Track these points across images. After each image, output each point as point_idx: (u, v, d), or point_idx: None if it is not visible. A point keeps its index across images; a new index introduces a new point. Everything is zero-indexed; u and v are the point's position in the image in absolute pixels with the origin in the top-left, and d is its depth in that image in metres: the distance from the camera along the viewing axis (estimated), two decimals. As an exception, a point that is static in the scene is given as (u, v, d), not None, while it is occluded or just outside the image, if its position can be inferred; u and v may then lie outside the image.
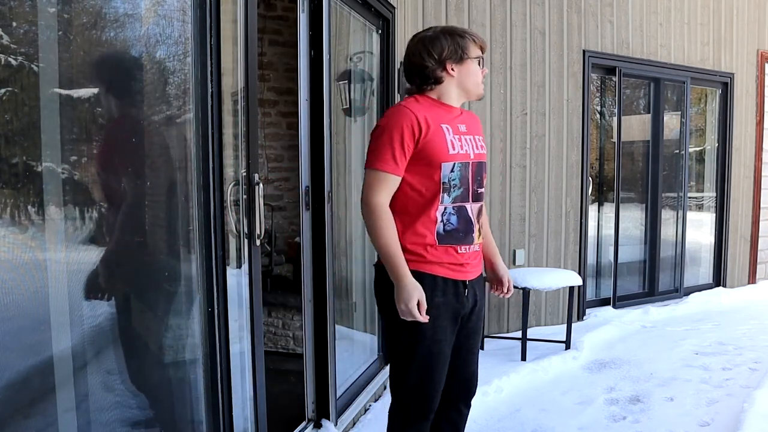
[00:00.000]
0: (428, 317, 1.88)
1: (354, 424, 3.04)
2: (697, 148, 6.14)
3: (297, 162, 2.76)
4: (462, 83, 2.00)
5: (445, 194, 1.94)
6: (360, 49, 3.45)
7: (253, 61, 2.12)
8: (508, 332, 4.58)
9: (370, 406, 3.21)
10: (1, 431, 1.32)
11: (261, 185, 2.13)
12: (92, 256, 1.59)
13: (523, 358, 3.98)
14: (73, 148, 1.54)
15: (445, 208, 1.95)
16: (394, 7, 3.49)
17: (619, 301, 5.37)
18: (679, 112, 5.78)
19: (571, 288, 4.24)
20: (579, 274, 4.66)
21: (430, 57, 1.96)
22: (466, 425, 2.25)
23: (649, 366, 3.92)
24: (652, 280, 5.61)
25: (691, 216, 5.90)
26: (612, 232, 5.33)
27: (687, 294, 5.69)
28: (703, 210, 6.17)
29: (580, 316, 4.99)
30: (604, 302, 5.39)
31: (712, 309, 5.44)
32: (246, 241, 2.13)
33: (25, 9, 1.42)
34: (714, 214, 6.06)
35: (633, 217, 5.66)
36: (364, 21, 3.33)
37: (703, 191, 6.16)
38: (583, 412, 3.24)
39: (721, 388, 3.54)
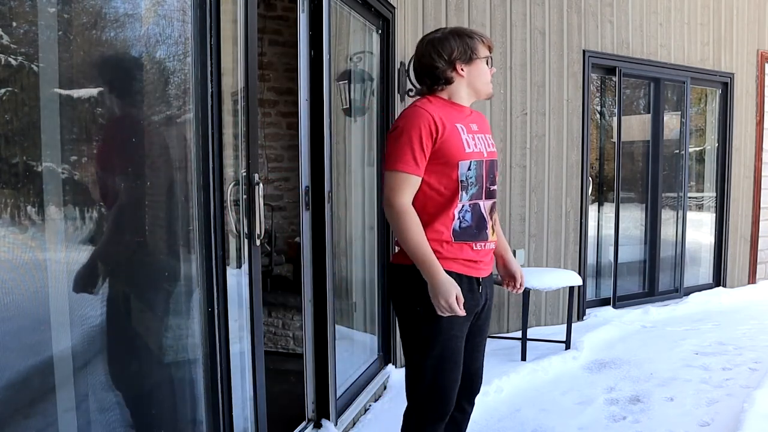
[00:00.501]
0: (465, 312, 1.91)
1: (354, 424, 3.04)
2: (697, 148, 6.14)
3: (297, 162, 2.76)
4: (472, 83, 2.03)
5: (464, 192, 1.97)
6: (360, 49, 3.45)
7: (253, 61, 2.12)
8: (508, 332, 4.58)
9: (370, 406, 3.21)
10: (1, 431, 1.32)
11: (261, 185, 2.13)
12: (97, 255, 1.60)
13: (523, 358, 3.98)
14: (73, 148, 1.54)
15: (462, 206, 1.98)
16: (394, 7, 3.49)
17: (619, 301, 5.37)
18: (679, 112, 5.78)
19: (571, 288, 4.24)
20: (579, 274, 4.66)
21: (440, 58, 1.99)
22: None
23: (649, 366, 3.92)
24: (652, 280, 5.61)
25: (691, 216, 5.90)
26: (612, 232, 5.33)
27: (687, 294, 5.69)
28: (703, 210, 6.17)
29: (580, 316, 4.99)
30: (604, 302, 5.39)
31: (712, 309, 5.44)
32: (246, 241, 2.13)
33: (25, 9, 1.42)
34: (714, 214, 6.06)
35: (633, 217, 5.66)
36: (364, 21, 3.33)
37: (703, 191, 6.16)
38: (583, 412, 3.24)
39: (721, 388, 3.54)
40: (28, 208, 1.40)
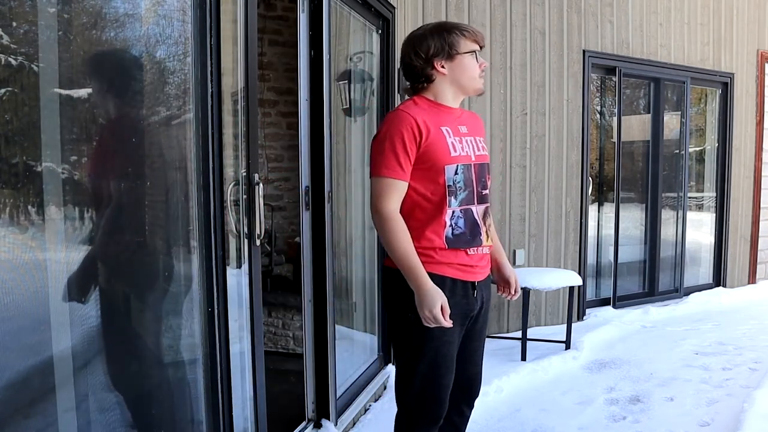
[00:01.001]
0: (452, 321, 1.86)
1: (354, 424, 3.04)
2: (697, 148, 6.14)
3: (297, 162, 2.76)
4: (455, 80, 1.97)
5: (452, 197, 1.92)
6: (360, 49, 3.45)
7: (253, 61, 2.12)
8: (508, 332, 4.58)
9: (370, 406, 3.21)
10: (1, 431, 1.32)
11: (261, 185, 2.13)
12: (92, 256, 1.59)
13: (523, 358, 3.98)
14: (73, 148, 1.54)
15: (453, 212, 1.93)
16: (394, 7, 3.49)
17: (619, 301, 5.37)
18: (679, 112, 5.78)
19: (571, 288, 4.24)
20: (579, 274, 4.66)
21: (417, 56, 1.95)
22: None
23: (649, 366, 3.92)
24: (652, 280, 5.61)
25: (691, 216, 5.90)
26: (612, 232, 5.33)
27: (687, 294, 5.69)
28: (703, 210, 6.16)
29: (580, 316, 4.99)
30: (604, 302, 5.39)
31: (712, 309, 5.44)
32: (246, 241, 2.13)
33: (25, 9, 1.42)
34: (714, 214, 6.06)
35: (633, 217, 5.66)
36: (364, 21, 3.33)
37: (703, 191, 6.16)
38: (583, 412, 3.24)
39: (721, 388, 3.54)
40: (28, 208, 1.40)
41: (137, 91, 1.80)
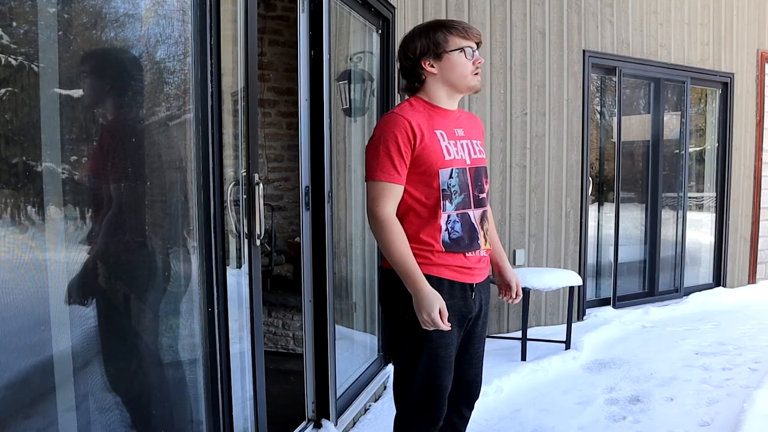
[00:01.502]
0: (450, 324, 1.86)
1: (354, 424, 3.04)
2: (697, 148, 6.14)
3: (297, 162, 2.76)
4: (446, 79, 1.94)
5: (447, 201, 1.91)
6: (360, 49, 3.45)
7: (253, 61, 2.12)
8: (508, 332, 4.58)
9: (370, 406, 3.21)
10: (1, 431, 1.32)
11: (261, 185, 2.13)
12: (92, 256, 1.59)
13: (523, 358, 3.98)
14: (73, 148, 1.54)
15: (449, 216, 1.92)
16: (394, 7, 3.50)
17: (619, 301, 5.37)
18: (679, 112, 5.78)
19: (571, 288, 4.24)
20: (579, 274, 4.66)
21: (406, 57, 1.95)
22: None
23: (649, 366, 3.92)
24: (652, 280, 5.61)
25: (691, 216, 5.90)
26: (612, 232, 5.33)
27: (687, 294, 5.69)
28: (703, 210, 6.16)
29: (580, 316, 4.99)
30: (604, 302, 5.39)
31: (712, 309, 5.44)
32: (246, 241, 2.13)
33: (25, 9, 1.42)
34: (714, 214, 6.06)
35: (633, 217, 5.66)
36: (364, 21, 3.33)
37: (703, 191, 6.16)
38: (583, 412, 3.24)
39: (721, 388, 3.54)
40: (28, 208, 1.40)
41: (137, 91, 1.80)
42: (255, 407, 2.22)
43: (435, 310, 1.81)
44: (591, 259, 5.32)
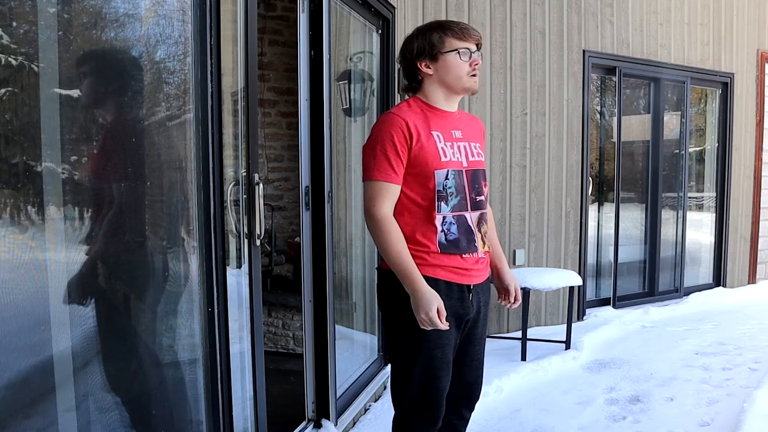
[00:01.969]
0: (448, 324, 1.85)
1: (354, 424, 3.04)
2: (697, 148, 6.14)
3: (297, 162, 2.76)
4: (442, 80, 1.94)
5: (443, 203, 1.91)
6: (360, 49, 3.45)
7: (253, 61, 2.12)
8: (508, 332, 4.58)
9: (370, 406, 3.21)
10: (1, 431, 1.32)
11: (261, 185, 2.13)
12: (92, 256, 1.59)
13: (523, 358, 3.98)
14: (73, 148, 1.54)
15: (445, 218, 1.91)
16: (394, 7, 3.50)
17: (619, 301, 5.37)
18: (679, 112, 5.78)
19: (571, 288, 4.24)
20: (579, 274, 4.66)
21: (404, 58, 1.97)
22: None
23: (649, 366, 3.92)
24: (652, 280, 5.61)
25: (691, 216, 5.90)
26: (612, 232, 5.33)
27: (687, 294, 5.69)
28: (703, 210, 6.17)
29: (580, 316, 4.99)
30: (604, 302, 5.39)
31: (712, 309, 5.44)
32: (246, 241, 2.13)
33: (25, 9, 1.42)
34: (714, 214, 6.06)
35: (633, 217, 5.66)
36: (364, 21, 3.33)
37: (703, 191, 6.16)
38: (583, 412, 3.24)
39: (721, 388, 3.54)
40: (28, 208, 1.40)
41: (137, 91, 1.80)
42: (255, 407, 2.22)
43: (433, 309, 1.81)
44: (591, 259, 5.32)
